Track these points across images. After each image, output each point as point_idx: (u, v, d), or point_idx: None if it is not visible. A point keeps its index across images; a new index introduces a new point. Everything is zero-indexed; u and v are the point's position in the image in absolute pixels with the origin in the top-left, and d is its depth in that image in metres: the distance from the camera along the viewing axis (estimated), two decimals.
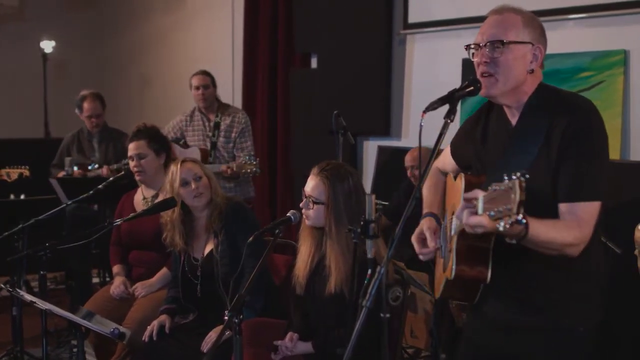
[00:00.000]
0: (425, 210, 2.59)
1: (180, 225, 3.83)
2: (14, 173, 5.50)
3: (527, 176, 1.78)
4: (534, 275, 2.29)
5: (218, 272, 3.70)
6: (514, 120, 2.35)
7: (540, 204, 2.13)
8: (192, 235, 3.88)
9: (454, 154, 2.62)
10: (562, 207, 2.18)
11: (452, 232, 2.29)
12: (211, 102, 5.78)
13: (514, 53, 2.26)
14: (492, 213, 1.82)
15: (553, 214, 2.18)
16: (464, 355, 2.60)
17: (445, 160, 2.68)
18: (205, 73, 5.81)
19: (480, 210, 1.88)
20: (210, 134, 5.75)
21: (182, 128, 5.88)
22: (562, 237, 2.11)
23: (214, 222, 3.78)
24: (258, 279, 3.59)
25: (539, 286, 2.29)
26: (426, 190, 2.67)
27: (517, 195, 1.76)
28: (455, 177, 2.49)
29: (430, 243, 2.42)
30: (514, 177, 1.78)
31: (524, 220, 1.80)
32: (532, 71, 2.30)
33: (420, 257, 2.48)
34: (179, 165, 3.82)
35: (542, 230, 2.04)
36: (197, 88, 5.73)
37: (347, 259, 3.15)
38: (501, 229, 1.81)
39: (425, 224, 2.49)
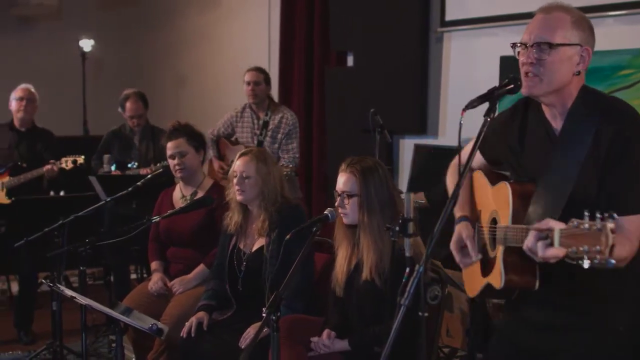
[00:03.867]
0: (458, 213, 2.54)
1: (239, 206, 3.86)
2: (69, 161, 5.64)
3: (615, 216, 1.79)
4: (580, 284, 2.24)
5: (265, 270, 3.70)
6: (554, 123, 2.32)
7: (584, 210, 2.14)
8: (246, 223, 3.89)
9: (482, 146, 2.49)
10: None
11: (497, 241, 2.28)
12: (262, 100, 5.78)
13: (561, 55, 2.21)
14: (574, 249, 1.84)
15: None
16: (496, 353, 2.57)
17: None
18: (259, 70, 5.82)
19: (556, 244, 1.91)
20: (258, 132, 5.76)
21: (232, 124, 5.91)
22: (619, 254, 2.05)
23: (262, 224, 3.78)
24: (302, 282, 3.62)
25: (584, 293, 2.26)
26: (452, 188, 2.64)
27: (609, 239, 1.78)
28: (489, 179, 2.46)
29: (472, 253, 2.38)
30: (598, 215, 1.79)
31: (613, 262, 1.79)
32: (578, 73, 2.25)
33: (461, 265, 2.47)
34: (239, 155, 3.88)
35: None
36: (248, 84, 5.74)
37: (379, 245, 3.20)
38: (586, 266, 1.81)
39: (463, 232, 2.45)
